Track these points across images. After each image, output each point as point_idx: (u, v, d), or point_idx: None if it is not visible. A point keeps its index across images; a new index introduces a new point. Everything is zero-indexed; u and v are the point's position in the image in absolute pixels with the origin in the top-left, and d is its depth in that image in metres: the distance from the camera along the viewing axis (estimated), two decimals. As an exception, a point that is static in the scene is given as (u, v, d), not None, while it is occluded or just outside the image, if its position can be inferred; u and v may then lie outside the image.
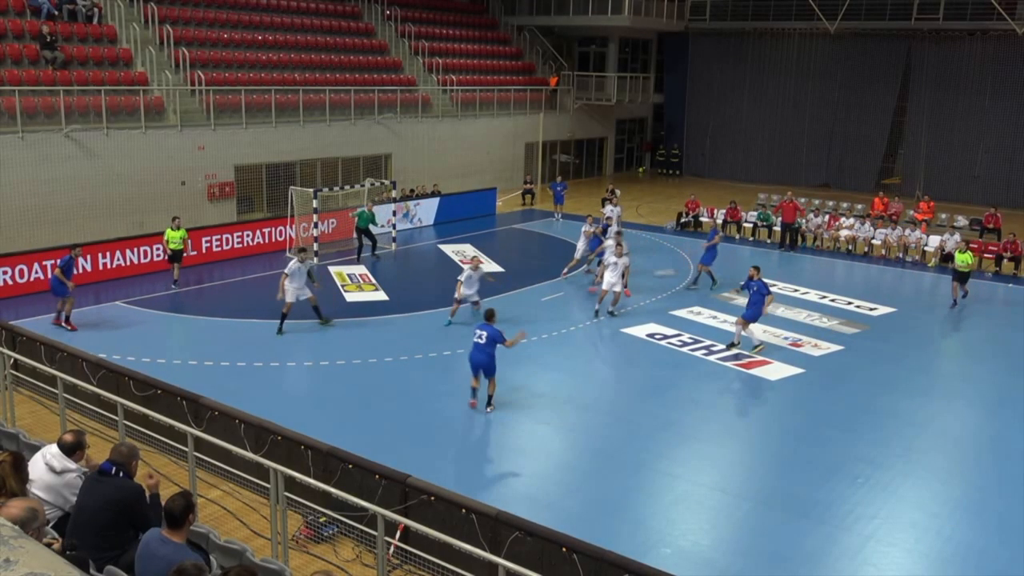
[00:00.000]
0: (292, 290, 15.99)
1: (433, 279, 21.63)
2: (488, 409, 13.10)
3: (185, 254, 19.97)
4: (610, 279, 18.03)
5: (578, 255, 21.56)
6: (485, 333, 12.88)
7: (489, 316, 13.42)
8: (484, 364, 12.92)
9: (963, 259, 20.54)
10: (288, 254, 22.78)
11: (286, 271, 16.08)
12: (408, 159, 30.63)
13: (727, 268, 21.63)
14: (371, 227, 22.94)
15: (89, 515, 6.34)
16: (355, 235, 23.15)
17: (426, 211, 28.17)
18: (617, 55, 40.79)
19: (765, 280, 16.62)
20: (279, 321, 16.25)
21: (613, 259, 18.22)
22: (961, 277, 20.55)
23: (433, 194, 29.23)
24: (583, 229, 21.80)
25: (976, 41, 34.56)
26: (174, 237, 19.52)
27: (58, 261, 16.47)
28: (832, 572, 9.28)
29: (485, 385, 13.09)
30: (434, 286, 20.63)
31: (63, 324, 16.09)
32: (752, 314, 16.27)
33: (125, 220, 22.00)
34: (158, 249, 20.48)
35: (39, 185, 20.63)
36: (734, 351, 16.23)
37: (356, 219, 22.96)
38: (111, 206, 21.99)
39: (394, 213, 25.28)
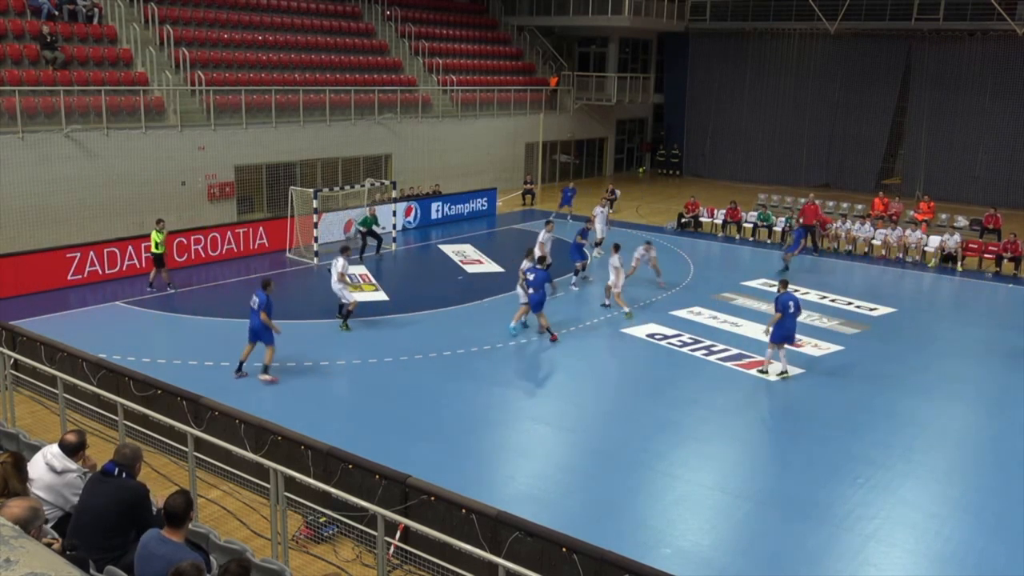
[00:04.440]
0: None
1: (433, 279, 21.63)
2: (262, 377, 13.77)
3: (169, 257, 19.46)
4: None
5: (581, 267, 21.01)
6: (257, 299, 13.68)
7: (265, 285, 13.92)
8: (256, 329, 13.73)
9: None
10: (288, 254, 22.86)
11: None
12: (408, 159, 30.62)
13: (727, 268, 21.58)
14: (375, 228, 23.36)
15: (92, 516, 6.33)
16: (357, 235, 23.61)
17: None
18: (617, 55, 40.78)
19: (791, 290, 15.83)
20: None
21: None
22: None
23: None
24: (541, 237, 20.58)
25: (976, 41, 34.54)
26: (156, 240, 18.67)
27: None
28: (832, 572, 9.28)
29: (262, 353, 13.87)
30: (434, 286, 20.64)
31: None
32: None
33: (125, 220, 21.98)
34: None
35: (39, 185, 20.62)
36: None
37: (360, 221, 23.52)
38: (111, 206, 21.97)
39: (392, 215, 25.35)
